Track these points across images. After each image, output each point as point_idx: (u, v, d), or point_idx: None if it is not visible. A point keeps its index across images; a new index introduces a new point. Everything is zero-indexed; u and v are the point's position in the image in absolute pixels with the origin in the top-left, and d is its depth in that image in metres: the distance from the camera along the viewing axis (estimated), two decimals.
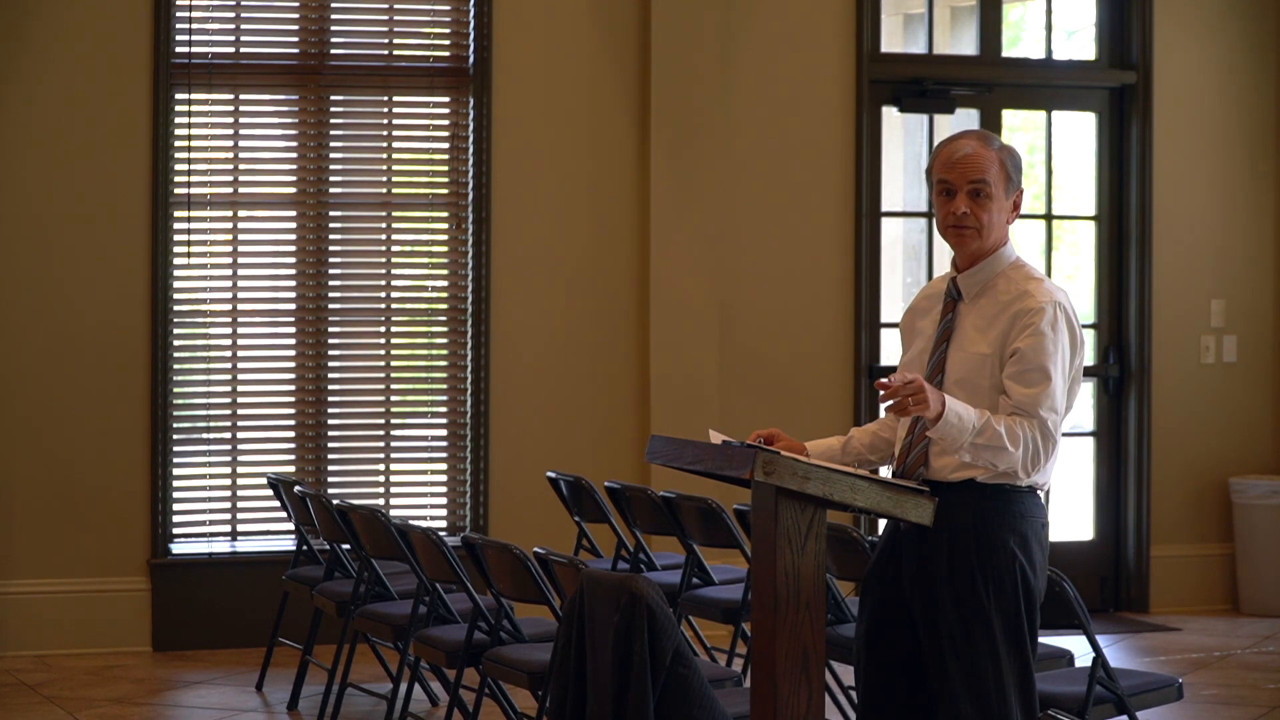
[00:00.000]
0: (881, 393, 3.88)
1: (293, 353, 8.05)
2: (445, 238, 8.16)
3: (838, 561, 5.57)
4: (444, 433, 8.16)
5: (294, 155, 8.05)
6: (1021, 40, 9.47)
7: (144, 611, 7.83)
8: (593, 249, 8.19)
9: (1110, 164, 8.86)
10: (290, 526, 7.34)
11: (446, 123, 8.14)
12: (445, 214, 8.15)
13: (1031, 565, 4.00)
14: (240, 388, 7.99)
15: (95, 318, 7.79)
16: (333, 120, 8.06)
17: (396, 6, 8.11)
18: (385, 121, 8.14)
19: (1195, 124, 8.85)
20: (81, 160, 7.77)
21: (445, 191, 8.14)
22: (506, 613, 5.56)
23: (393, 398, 8.17)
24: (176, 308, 7.90)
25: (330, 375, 8.07)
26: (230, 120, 8.00)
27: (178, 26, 7.84)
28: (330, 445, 8.06)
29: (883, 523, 4.20)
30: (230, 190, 7.97)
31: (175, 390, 7.90)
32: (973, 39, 8.82)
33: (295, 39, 8.02)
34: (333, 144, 8.06)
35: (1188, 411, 8.84)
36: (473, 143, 8.08)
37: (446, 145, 8.14)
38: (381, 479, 8.15)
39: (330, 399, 8.05)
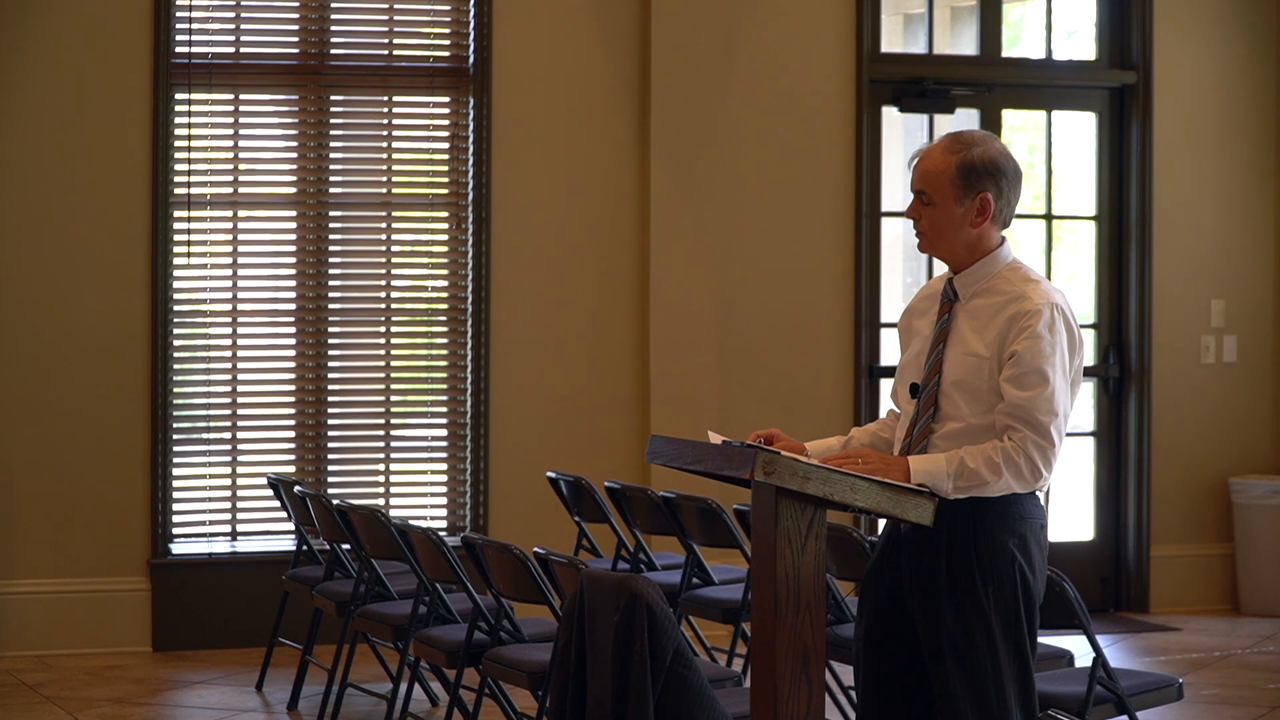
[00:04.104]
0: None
1: (293, 353, 8.05)
2: (445, 238, 8.16)
3: (838, 561, 5.57)
4: (444, 433, 8.16)
5: (294, 155, 8.05)
6: (1021, 40, 9.46)
7: (144, 611, 7.83)
8: (593, 249, 8.19)
9: (1110, 164, 8.86)
10: (290, 526, 7.34)
11: (446, 123, 8.14)
12: (445, 214, 8.15)
13: (1031, 566, 3.99)
14: (240, 388, 7.99)
15: (95, 318, 7.78)
16: (333, 120, 8.06)
17: (396, 6, 8.11)
18: (385, 121, 8.14)
19: (1195, 124, 8.85)
20: (81, 160, 7.77)
21: (445, 191, 8.14)
22: (506, 613, 5.56)
23: (393, 398, 8.17)
24: (176, 308, 7.90)
25: (330, 375, 8.07)
26: (230, 120, 8.00)
27: (178, 26, 7.84)
28: (330, 445, 8.06)
29: (883, 523, 4.20)
30: (230, 190, 7.97)
31: (175, 390, 7.90)
32: (973, 39, 8.82)
33: (295, 39, 8.02)
34: (333, 144, 8.06)
35: (1188, 411, 8.84)
36: (473, 143, 8.08)
37: (446, 145, 8.14)
38: (381, 479, 8.15)
39: (330, 399, 8.05)
